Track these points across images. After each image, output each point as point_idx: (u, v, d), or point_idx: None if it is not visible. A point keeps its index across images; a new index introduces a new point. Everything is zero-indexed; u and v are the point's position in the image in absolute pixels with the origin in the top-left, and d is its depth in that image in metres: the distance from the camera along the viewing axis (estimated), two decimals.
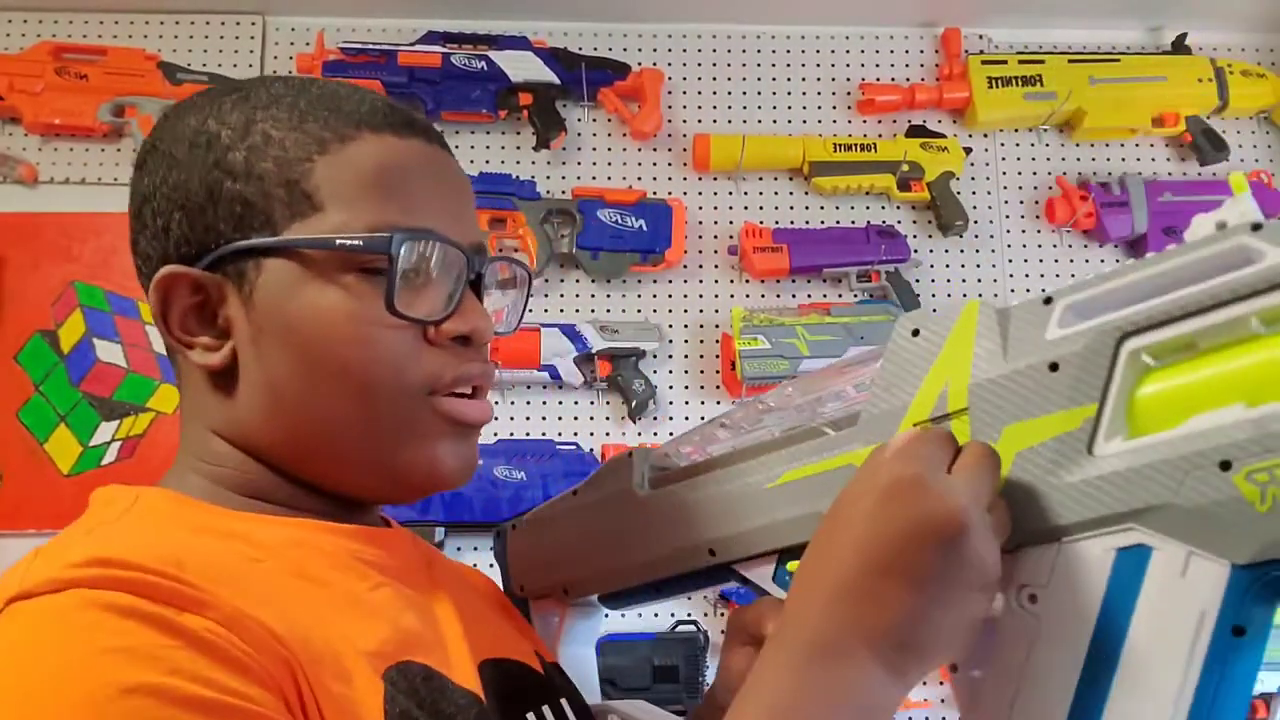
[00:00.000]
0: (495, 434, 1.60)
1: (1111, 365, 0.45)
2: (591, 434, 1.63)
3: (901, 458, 0.45)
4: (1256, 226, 0.41)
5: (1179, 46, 1.74)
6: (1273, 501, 0.39)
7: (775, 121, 1.75)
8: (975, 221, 1.71)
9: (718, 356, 1.66)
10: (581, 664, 0.73)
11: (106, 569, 0.42)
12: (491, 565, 0.76)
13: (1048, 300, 0.48)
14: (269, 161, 0.53)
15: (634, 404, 1.60)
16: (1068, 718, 0.44)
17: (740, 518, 0.58)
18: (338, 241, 0.52)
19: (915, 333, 0.53)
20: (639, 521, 0.65)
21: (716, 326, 1.67)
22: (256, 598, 0.45)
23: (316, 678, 0.45)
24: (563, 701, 0.61)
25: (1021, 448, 0.47)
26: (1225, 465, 0.40)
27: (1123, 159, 1.75)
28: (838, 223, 1.70)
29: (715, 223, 1.70)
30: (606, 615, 0.73)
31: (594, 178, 1.71)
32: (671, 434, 1.56)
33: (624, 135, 1.71)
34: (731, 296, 1.68)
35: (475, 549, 1.57)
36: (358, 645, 0.48)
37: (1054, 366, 0.46)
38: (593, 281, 1.66)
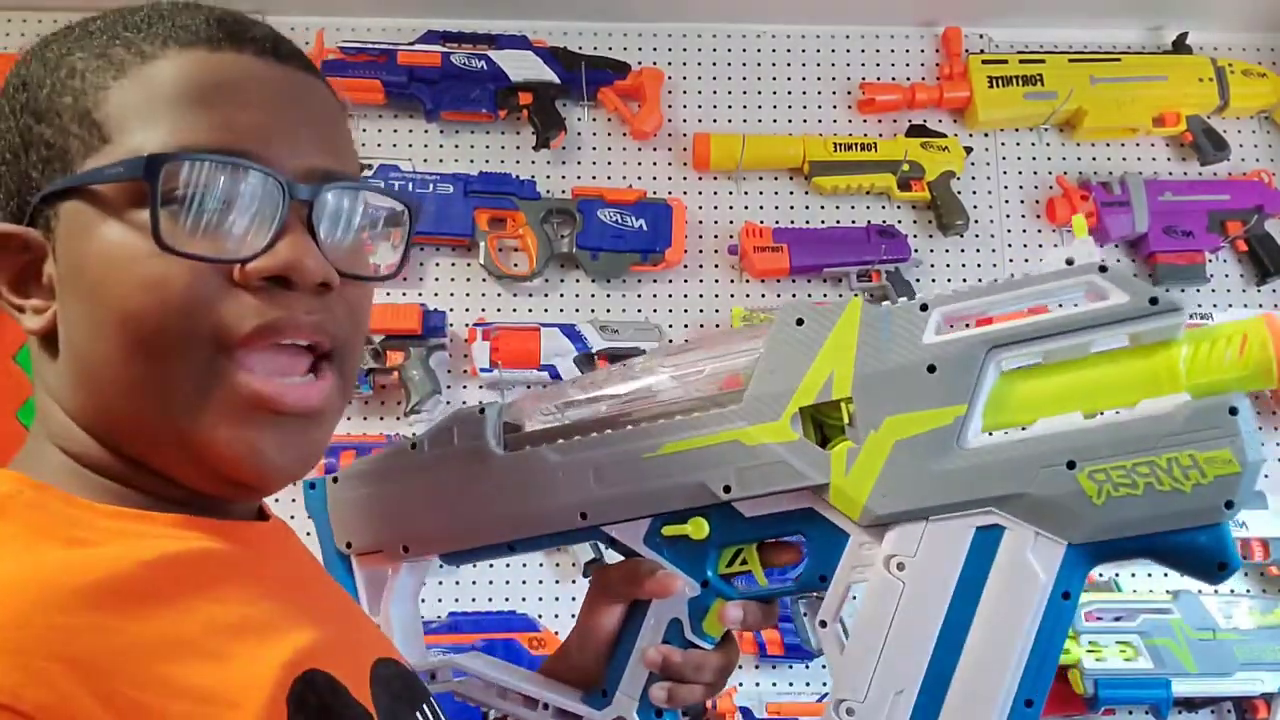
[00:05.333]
0: None
1: (981, 371, 0.53)
2: None
3: None
4: (1103, 269, 0.51)
5: (1179, 46, 1.74)
6: (1106, 496, 0.49)
7: (775, 121, 1.74)
8: (976, 221, 1.71)
9: None
10: (410, 620, 0.71)
11: None
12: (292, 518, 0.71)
13: (924, 307, 0.56)
14: (68, 95, 0.47)
15: None
16: (929, 664, 0.52)
17: (618, 483, 0.61)
18: (106, 171, 0.45)
19: (800, 322, 0.58)
20: (498, 480, 0.65)
21: (717, 326, 1.67)
22: (116, 657, 0.39)
23: None
24: (431, 700, 0.57)
25: (900, 437, 0.54)
26: (1071, 465, 0.50)
27: (1123, 159, 1.75)
28: (838, 222, 1.70)
29: (715, 222, 1.70)
30: (441, 567, 0.71)
31: (594, 177, 1.70)
32: None
33: (624, 135, 1.71)
34: (731, 296, 1.67)
35: (473, 565, 1.56)
36: (251, 672, 0.42)
37: (931, 368, 0.54)
38: (593, 281, 1.66)
